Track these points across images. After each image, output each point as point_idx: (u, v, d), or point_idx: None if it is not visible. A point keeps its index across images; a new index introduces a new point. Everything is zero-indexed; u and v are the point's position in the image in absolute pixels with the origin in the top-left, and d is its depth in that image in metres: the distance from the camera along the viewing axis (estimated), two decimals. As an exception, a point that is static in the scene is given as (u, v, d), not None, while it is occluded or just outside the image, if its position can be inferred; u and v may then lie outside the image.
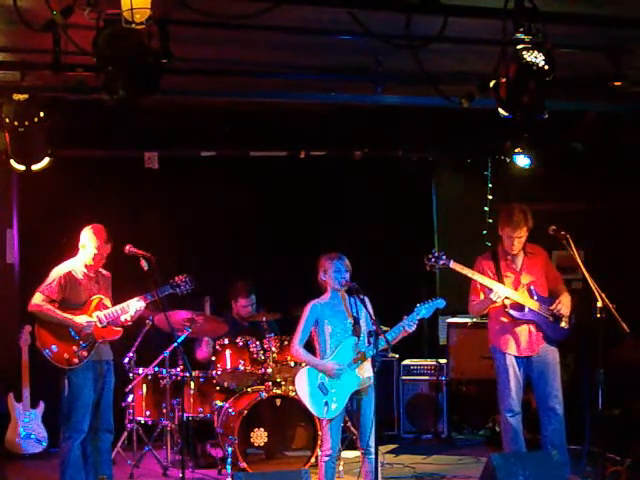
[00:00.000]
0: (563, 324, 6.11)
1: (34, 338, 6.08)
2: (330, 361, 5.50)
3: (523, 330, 6.10)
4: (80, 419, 5.87)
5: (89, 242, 6.00)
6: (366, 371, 5.52)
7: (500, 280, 6.09)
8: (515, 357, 6.11)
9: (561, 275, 6.40)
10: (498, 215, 6.37)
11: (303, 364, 5.83)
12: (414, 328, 5.55)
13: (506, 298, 6.04)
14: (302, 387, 5.59)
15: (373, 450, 5.42)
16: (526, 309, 6.06)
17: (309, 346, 5.71)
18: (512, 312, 6.05)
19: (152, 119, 7.16)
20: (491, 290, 5.99)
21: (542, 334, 6.11)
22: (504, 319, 6.13)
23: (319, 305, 5.61)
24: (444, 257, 5.98)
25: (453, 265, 6.01)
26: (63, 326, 5.90)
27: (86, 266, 6.04)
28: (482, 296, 6.15)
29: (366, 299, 5.47)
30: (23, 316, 7.43)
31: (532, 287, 6.11)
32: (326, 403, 5.46)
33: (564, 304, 6.10)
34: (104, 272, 6.21)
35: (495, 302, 6.03)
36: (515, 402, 6.08)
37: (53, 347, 5.88)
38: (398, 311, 5.67)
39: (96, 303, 6.01)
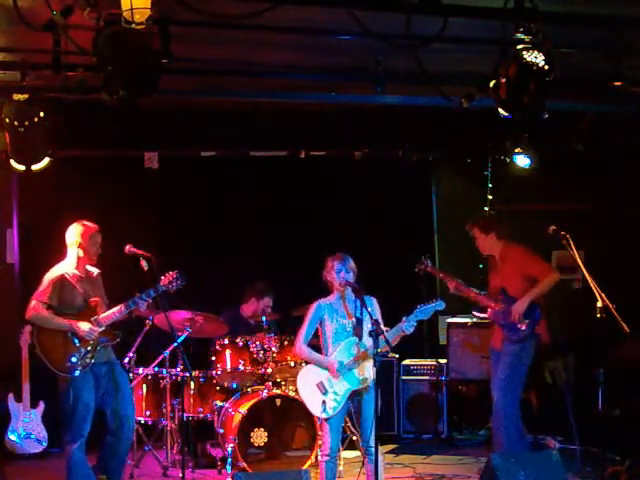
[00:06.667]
0: (521, 326, 6.27)
1: (34, 341, 5.97)
2: (333, 359, 5.52)
3: (496, 327, 6.52)
4: (81, 423, 5.77)
5: (74, 241, 5.86)
6: (366, 371, 5.52)
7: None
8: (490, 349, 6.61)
9: (544, 273, 6.35)
10: None
11: (304, 363, 5.83)
12: (413, 329, 5.56)
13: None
14: (302, 385, 5.61)
15: (373, 450, 5.43)
16: (489, 311, 6.41)
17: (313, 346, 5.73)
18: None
19: (152, 119, 7.16)
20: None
21: (504, 334, 6.37)
22: None
23: (324, 304, 5.64)
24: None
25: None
26: (64, 333, 5.76)
27: (76, 267, 5.89)
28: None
29: (372, 300, 5.57)
30: (23, 316, 7.43)
31: (502, 288, 6.36)
32: (324, 402, 5.46)
33: (515, 310, 6.25)
34: (93, 271, 6.02)
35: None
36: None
37: (55, 355, 5.74)
38: (398, 311, 5.66)
39: (94, 306, 5.86)
